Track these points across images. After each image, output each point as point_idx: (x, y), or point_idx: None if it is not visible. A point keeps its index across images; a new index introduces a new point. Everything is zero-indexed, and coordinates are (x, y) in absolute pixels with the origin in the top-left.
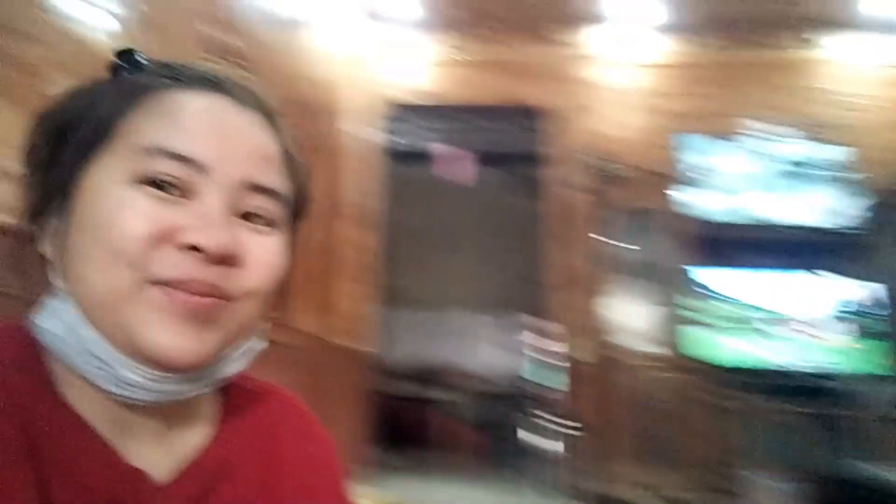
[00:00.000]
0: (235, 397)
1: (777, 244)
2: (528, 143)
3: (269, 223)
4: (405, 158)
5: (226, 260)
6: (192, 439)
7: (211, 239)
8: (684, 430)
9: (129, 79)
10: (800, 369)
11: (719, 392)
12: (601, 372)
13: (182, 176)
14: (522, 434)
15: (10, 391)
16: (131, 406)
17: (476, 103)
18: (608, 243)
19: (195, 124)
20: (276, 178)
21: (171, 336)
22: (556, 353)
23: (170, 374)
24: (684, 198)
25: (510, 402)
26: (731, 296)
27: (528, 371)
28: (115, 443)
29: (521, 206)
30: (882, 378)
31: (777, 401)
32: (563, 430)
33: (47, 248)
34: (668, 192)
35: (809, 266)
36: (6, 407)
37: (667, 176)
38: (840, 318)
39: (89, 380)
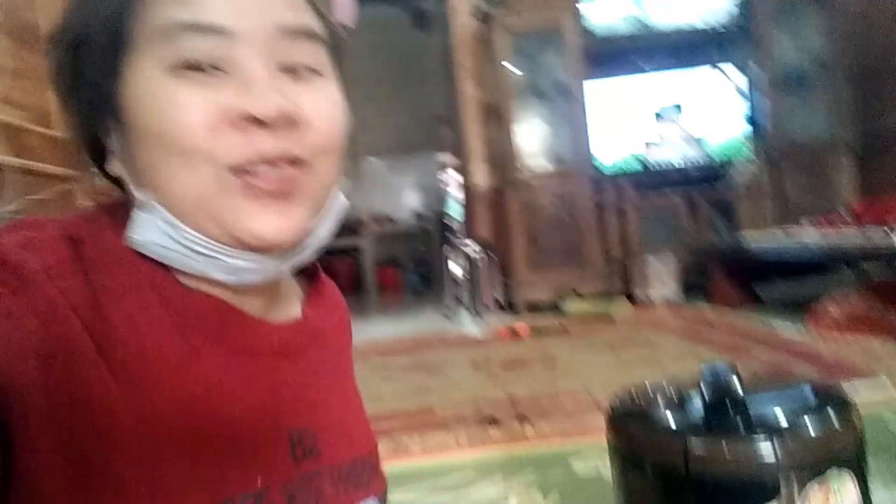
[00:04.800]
0: (313, 277)
1: (668, 47)
2: None
3: (316, 71)
4: None
5: (285, 121)
6: (287, 315)
7: (260, 103)
8: (586, 235)
9: None
10: (683, 163)
11: (612, 194)
12: (509, 194)
13: (212, 48)
14: (439, 265)
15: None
16: (236, 290)
17: None
18: (506, 68)
19: None
20: (306, 17)
21: (263, 219)
22: (463, 183)
23: (272, 255)
24: (581, 12)
25: (425, 237)
26: (623, 103)
27: (437, 205)
28: None
29: (415, 43)
30: (748, 160)
31: (662, 192)
32: (476, 252)
33: (115, 166)
34: (563, 9)
35: (697, 63)
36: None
37: None
38: (719, 111)
39: (200, 274)
